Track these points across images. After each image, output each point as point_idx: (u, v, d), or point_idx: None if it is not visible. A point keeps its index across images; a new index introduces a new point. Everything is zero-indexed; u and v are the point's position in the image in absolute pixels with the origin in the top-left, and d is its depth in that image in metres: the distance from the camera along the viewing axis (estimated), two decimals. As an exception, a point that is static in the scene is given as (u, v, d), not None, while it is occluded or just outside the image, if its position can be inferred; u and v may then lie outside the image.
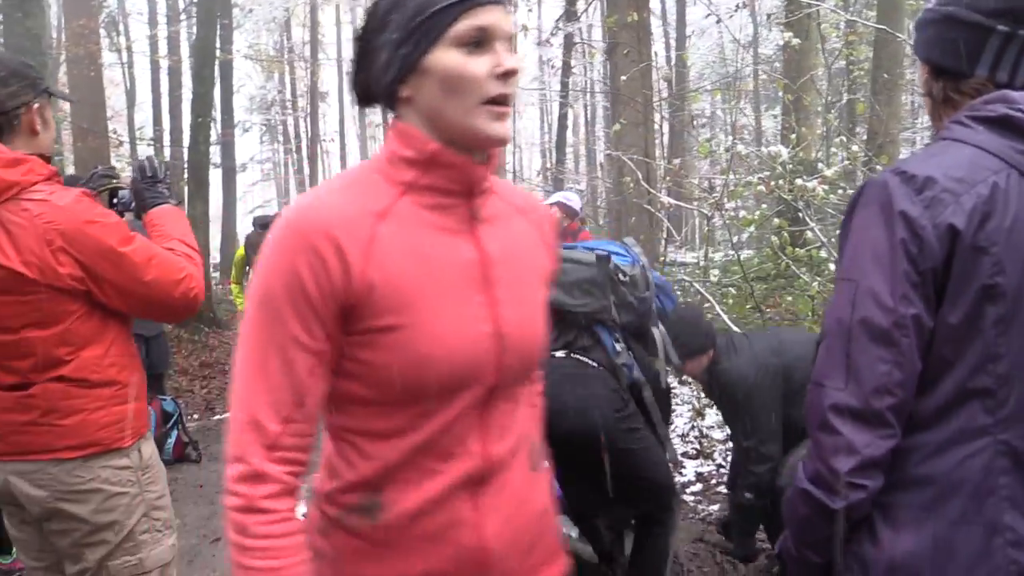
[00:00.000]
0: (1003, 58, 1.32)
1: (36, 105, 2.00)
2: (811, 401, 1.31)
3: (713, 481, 4.99)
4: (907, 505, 1.27)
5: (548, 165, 22.76)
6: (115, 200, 2.39)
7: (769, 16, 8.95)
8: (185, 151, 11.47)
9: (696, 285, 6.10)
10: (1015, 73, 1.33)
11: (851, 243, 1.31)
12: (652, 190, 7.00)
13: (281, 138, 27.42)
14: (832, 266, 5.76)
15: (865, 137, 8.52)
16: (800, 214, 5.91)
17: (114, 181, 2.42)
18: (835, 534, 1.31)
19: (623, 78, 6.43)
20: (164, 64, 17.18)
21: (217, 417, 6.89)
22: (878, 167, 6.10)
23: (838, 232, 1.40)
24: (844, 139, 6.97)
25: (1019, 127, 1.27)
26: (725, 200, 6.16)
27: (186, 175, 11.11)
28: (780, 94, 17.17)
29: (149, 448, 2.17)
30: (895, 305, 1.23)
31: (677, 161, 8.57)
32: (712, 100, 17.69)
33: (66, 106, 10.21)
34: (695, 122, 11.05)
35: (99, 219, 1.93)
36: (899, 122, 11.72)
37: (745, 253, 7.64)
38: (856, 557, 1.32)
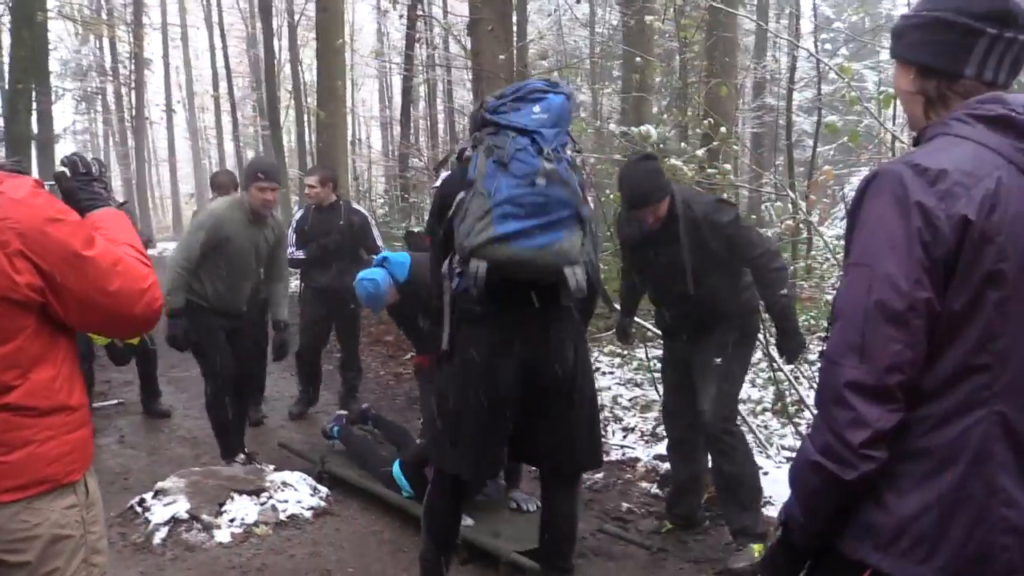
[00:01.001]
0: (989, 59, 1.45)
1: None
2: (825, 378, 1.41)
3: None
4: (911, 473, 1.39)
5: (390, 140, 22.45)
6: None
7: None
8: (-2, 121, 10.38)
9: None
10: (998, 72, 1.45)
11: (865, 230, 1.41)
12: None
13: (100, 108, 25.37)
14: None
15: (701, 115, 8.95)
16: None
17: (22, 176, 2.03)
18: (843, 503, 1.41)
19: (501, 57, 6.40)
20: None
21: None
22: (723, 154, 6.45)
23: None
24: (677, 117, 7.27)
25: (1017, 126, 1.39)
26: (592, 178, 6.31)
27: (2, 150, 10.08)
28: (615, 73, 17.77)
29: (93, 482, 1.87)
30: (910, 289, 1.33)
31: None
32: (550, 78, 17.98)
33: None
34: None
35: (62, 216, 1.64)
36: (733, 101, 12.40)
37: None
38: (863, 523, 1.42)
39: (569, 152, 2.76)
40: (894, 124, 6.31)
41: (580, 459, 2.98)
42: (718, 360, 3.74)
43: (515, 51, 6.28)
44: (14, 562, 1.70)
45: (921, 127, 1.53)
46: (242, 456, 4.93)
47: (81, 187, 1.91)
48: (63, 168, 1.94)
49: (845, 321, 1.39)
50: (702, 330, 3.76)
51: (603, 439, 3.77)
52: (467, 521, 3.67)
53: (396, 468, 4.24)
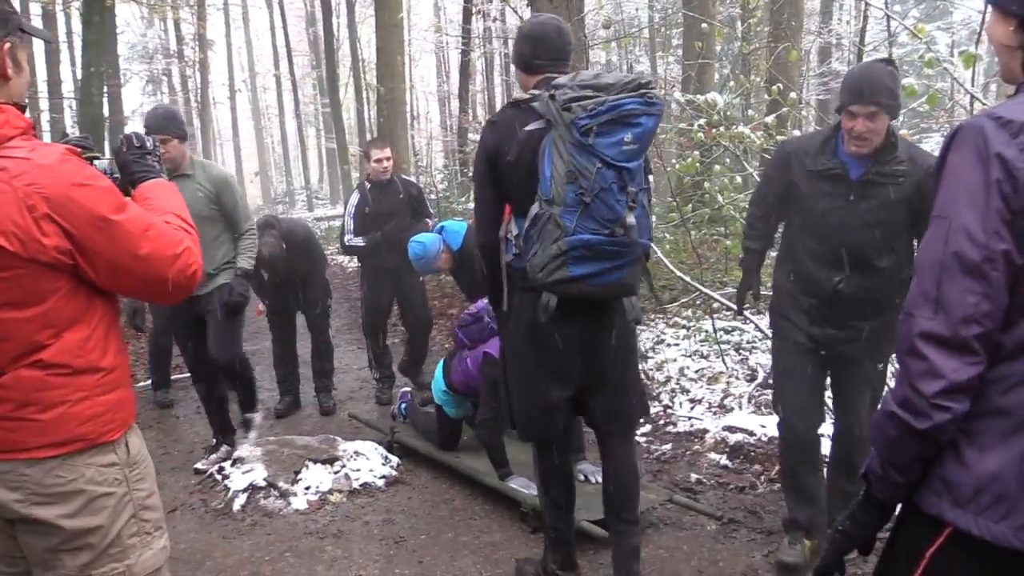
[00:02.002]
0: None
1: (7, 45, 1.70)
2: (901, 330, 1.40)
3: (662, 422, 5.13)
4: (991, 431, 1.37)
5: (448, 115, 22.45)
6: None
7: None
8: (72, 104, 10.68)
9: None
10: None
11: (945, 183, 1.40)
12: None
13: (166, 89, 25.97)
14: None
15: (765, 82, 8.75)
16: (736, 161, 6.04)
17: (86, 151, 2.01)
18: (920, 454, 1.41)
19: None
20: (36, 11, 15.87)
21: (140, 385, 6.56)
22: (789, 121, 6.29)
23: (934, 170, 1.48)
24: (743, 83, 7.11)
25: None
26: (657, 148, 6.22)
27: (76, 132, 10.38)
28: (674, 43, 17.43)
29: (137, 440, 1.92)
30: (987, 240, 1.31)
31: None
32: (608, 48, 17.77)
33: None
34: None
35: (90, 182, 1.68)
36: (798, 68, 12.08)
37: (669, 200, 7.76)
38: (942, 479, 1.41)
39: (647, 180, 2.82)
40: (973, 85, 6.07)
41: (635, 412, 3.12)
42: (880, 365, 3.26)
43: (576, 22, 6.18)
44: (51, 517, 1.74)
45: (1019, 81, 1.48)
46: (224, 448, 4.75)
47: (135, 160, 2.00)
48: (121, 143, 2.04)
49: (923, 273, 1.39)
50: (866, 318, 3.11)
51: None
52: (533, 490, 3.72)
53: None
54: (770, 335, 3.67)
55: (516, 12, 8.46)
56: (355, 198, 5.97)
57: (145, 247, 1.73)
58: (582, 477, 4.08)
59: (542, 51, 2.85)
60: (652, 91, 2.59)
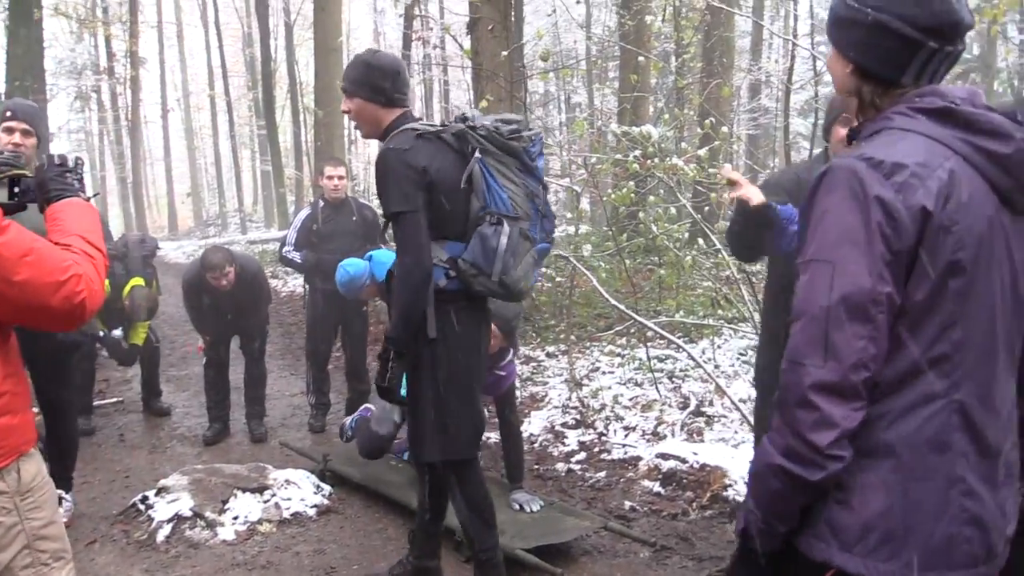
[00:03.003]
0: (927, 68, 1.45)
1: None
2: (789, 380, 1.37)
3: (596, 449, 5.16)
4: (874, 469, 1.37)
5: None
6: (16, 190, 2.02)
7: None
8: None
9: (572, 259, 6.23)
10: (932, 79, 1.47)
11: (823, 227, 1.38)
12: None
13: (95, 106, 25.28)
14: (702, 240, 6.06)
15: (698, 116, 8.99)
16: (661, 192, 6.17)
17: (15, 169, 2.03)
18: (805, 504, 1.41)
19: (504, 53, 6.40)
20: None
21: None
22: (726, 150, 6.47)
23: (801, 212, 1.50)
24: (677, 117, 7.29)
25: (960, 117, 1.40)
26: (594, 178, 6.32)
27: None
28: (611, 75, 17.78)
29: (33, 467, 1.86)
30: (873, 284, 1.32)
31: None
32: (546, 79, 18.02)
33: None
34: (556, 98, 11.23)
35: None
36: (729, 103, 12.44)
37: (604, 230, 7.88)
38: (827, 523, 1.40)
39: None
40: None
41: None
42: None
43: (515, 50, 6.29)
44: None
45: (856, 119, 1.55)
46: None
47: (53, 178, 1.96)
48: (43, 162, 2.00)
49: (807, 319, 1.36)
50: None
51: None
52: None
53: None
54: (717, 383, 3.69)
55: (456, 40, 8.52)
56: (304, 212, 5.91)
57: (22, 273, 1.66)
58: (517, 506, 4.07)
59: (401, 85, 2.95)
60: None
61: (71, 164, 2.02)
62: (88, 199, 2.03)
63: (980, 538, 1.38)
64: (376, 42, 23.88)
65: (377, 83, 2.90)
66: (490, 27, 7.15)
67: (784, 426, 1.37)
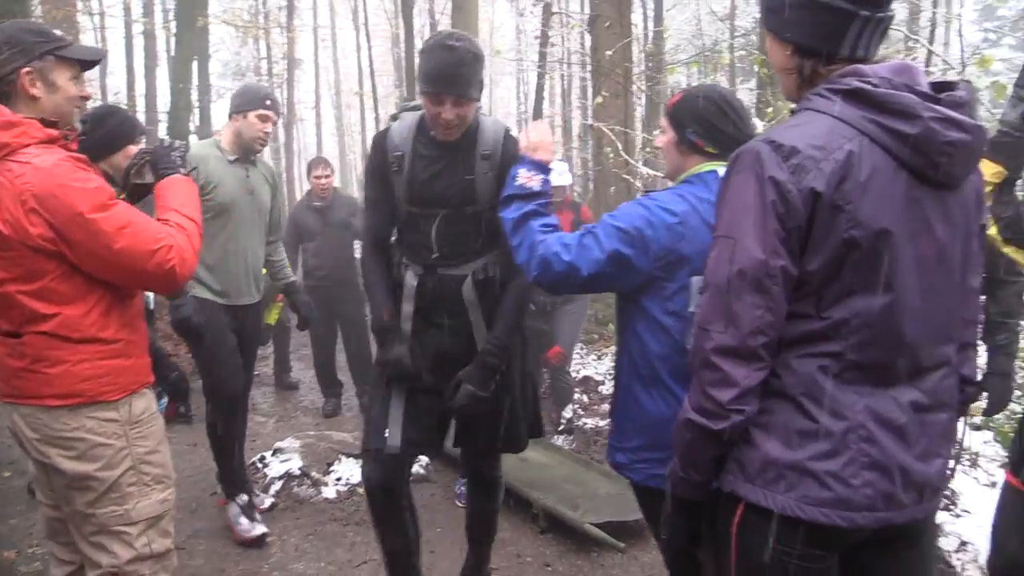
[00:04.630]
0: (861, 38, 1.51)
1: (27, 70, 2.03)
2: (697, 344, 1.54)
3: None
4: (774, 411, 1.51)
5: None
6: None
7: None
8: (163, 117, 11.42)
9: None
10: (868, 49, 1.52)
11: (729, 205, 1.52)
12: (631, 160, 7.16)
13: (256, 105, 27.15)
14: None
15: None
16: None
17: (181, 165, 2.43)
18: (717, 453, 1.57)
19: (608, 52, 6.54)
20: (138, 29, 16.92)
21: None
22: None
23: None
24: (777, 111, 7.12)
25: (869, 98, 1.45)
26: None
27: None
28: (756, 68, 17.38)
29: (142, 404, 2.22)
30: (766, 258, 1.45)
31: (656, 132, 8.71)
32: (688, 73, 17.82)
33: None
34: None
35: (74, 183, 1.98)
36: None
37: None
38: (735, 459, 1.56)
39: None
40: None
41: None
42: None
43: (627, 46, 6.40)
44: (57, 458, 2.10)
45: (796, 100, 1.61)
46: (244, 497, 3.97)
47: (162, 157, 2.35)
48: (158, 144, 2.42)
49: (712, 290, 1.52)
50: None
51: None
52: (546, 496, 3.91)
53: None
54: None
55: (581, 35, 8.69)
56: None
57: (120, 242, 2.01)
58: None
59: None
60: None
61: (177, 145, 2.41)
62: (188, 174, 2.40)
63: (880, 482, 1.46)
64: (518, 40, 24.33)
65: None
66: (607, 24, 7.30)
67: (696, 385, 1.54)
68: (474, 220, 2.67)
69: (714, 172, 2.11)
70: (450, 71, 2.43)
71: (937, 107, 1.44)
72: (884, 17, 1.51)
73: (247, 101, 3.73)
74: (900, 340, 1.49)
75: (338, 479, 4.47)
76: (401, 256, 2.78)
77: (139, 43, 17.43)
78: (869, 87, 1.45)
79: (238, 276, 3.79)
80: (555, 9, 15.89)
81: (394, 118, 2.77)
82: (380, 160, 2.69)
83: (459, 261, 2.70)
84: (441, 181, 2.63)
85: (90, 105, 2.92)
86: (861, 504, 1.46)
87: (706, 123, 2.15)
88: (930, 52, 6.99)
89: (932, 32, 9.90)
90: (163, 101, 17.84)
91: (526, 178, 2.28)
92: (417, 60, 2.61)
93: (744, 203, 1.48)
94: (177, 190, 2.30)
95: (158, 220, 2.18)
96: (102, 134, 2.89)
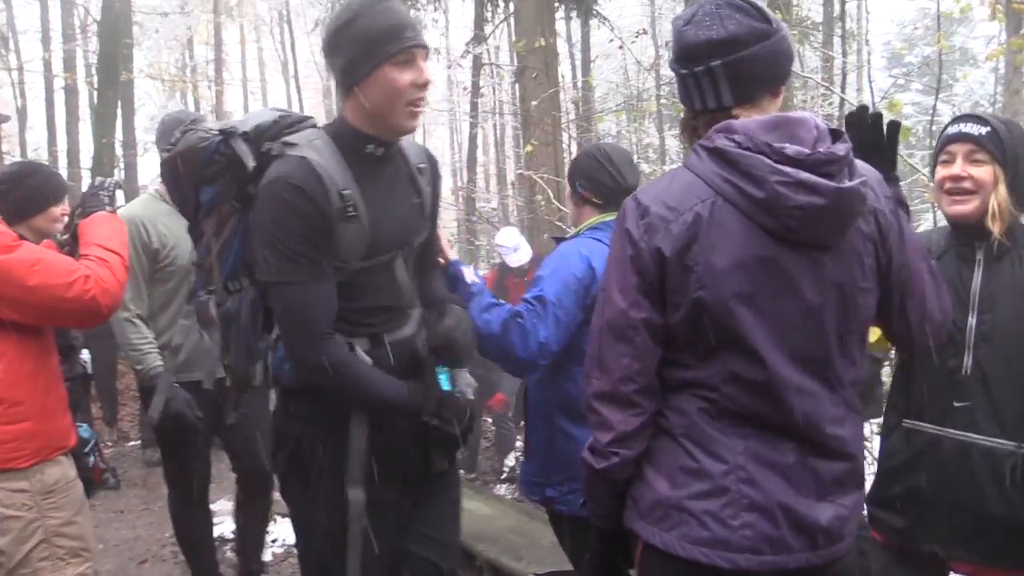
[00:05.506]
0: (701, 91, 1.55)
1: None
2: (583, 389, 1.61)
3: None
4: (661, 451, 1.55)
5: (459, 184, 22.94)
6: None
7: (668, 43, 9.40)
8: (86, 173, 11.16)
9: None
10: (719, 98, 1.54)
11: (608, 257, 1.59)
12: (563, 208, 7.26)
13: (184, 159, 26.76)
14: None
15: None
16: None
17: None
18: (610, 489, 1.61)
19: (534, 102, 6.66)
20: (59, 83, 16.57)
21: (131, 444, 6.75)
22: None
23: None
24: None
25: (726, 157, 1.46)
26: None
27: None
28: (681, 115, 17.83)
29: (57, 471, 2.10)
30: (627, 309, 1.51)
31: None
32: (617, 120, 18.27)
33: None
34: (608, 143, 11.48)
35: None
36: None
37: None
38: (632, 496, 1.60)
39: None
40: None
41: None
42: None
43: (554, 95, 6.52)
44: None
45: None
46: None
47: (88, 197, 2.34)
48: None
49: (592, 338, 1.59)
50: None
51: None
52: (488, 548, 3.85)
53: None
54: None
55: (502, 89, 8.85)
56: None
57: (32, 279, 1.97)
58: None
59: None
60: None
61: (104, 183, 2.39)
62: (113, 211, 2.36)
63: (761, 524, 1.46)
64: (450, 91, 24.61)
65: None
66: (534, 75, 7.44)
67: (589, 428, 1.61)
68: (416, 254, 2.12)
69: None
70: (409, 19, 1.90)
71: (787, 170, 1.42)
72: (708, 69, 1.52)
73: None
74: (788, 413, 1.49)
75: (273, 540, 4.33)
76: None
77: (60, 97, 17.05)
78: (728, 146, 1.46)
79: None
80: (484, 60, 16.18)
81: (266, 154, 1.89)
82: (317, 211, 1.82)
83: (402, 318, 2.05)
84: (400, 212, 2.02)
85: (8, 160, 2.82)
86: (742, 545, 1.46)
87: (589, 176, 2.42)
88: (843, 99, 7.30)
89: (844, 79, 10.40)
90: (86, 156, 17.55)
91: (472, 276, 2.33)
92: (334, 41, 1.87)
93: (613, 255, 1.56)
94: (99, 225, 2.26)
95: (80, 256, 2.13)
96: (20, 195, 2.63)
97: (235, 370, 2.02)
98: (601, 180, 2.39)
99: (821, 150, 1.45)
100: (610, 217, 2.35)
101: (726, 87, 1.52)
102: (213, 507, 4.62)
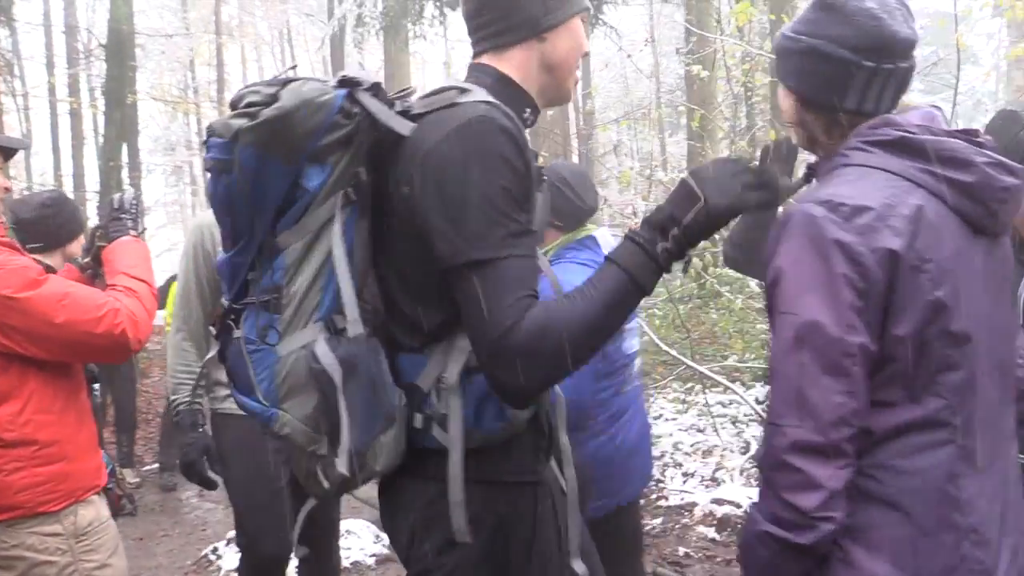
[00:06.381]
0: (869, 91, 1.36)
1: None
2: (767, 443, 1.29)
3: (653, 495, 5.15)
4: (878, 525, 1.27)
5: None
6: None
7: (678, 50, 9.36)
8: (94, 195, 11.14)
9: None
10: (879, 103, 1.37)
11: (785, 279, 1.29)
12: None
13: (188, 179, 26.75)
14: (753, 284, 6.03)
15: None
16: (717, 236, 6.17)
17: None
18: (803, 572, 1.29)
19: (549, 113, 6.61)
20: (64, 108, 16.60)
21: (147, 468, 6.68)
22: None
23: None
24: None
25: (915, 147, 1.31)
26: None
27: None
28: (683, 121, 17.87)
29: (90, 512, 2.03)
30: (842, 335, 1.23)
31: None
32: (618, 128, 18.26)
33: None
34: (616, 150, 11.42)
35: None
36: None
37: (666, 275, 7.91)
38: None
39: None
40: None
41: None
42: None
43: (572, 106, 6.48)
44: None
45: (815, 152, 1.49)
46: None
47: (113, 219, 2.23)
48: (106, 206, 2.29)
49: (780, 378, 1.28)
50: None
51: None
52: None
53: None
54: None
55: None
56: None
57: (61, 316, 1.88)
58: None
59: None
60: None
61: (126, 206, 2.26)
62: (138, 235, 2.27)
63: None
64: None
65: None
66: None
67: (767, 491, 1.28)
68: None
69: (592, 236, 2.44)
70: None
71: (987, 152, 1.32)
72: (896, 69, 1.36)
73: None
74: (984, 419, 1.33)
75: (296, 566, 4.25)
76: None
77: (64, 122, 17.07)
78: (912, 135, 1.31)
79: None
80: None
81: (404, 112, 1.42)
82: (527, 168, 1.39)
83: None
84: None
85: (17, 188, 2.77)
86: None
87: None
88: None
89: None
90: (91, 180, 17.55)
91: None
92: None
93: (805, 274, 1.26)
94: (125, 252, 2.18)
95: (107, 286, 2.06)
96: (62, 220, 2.70)
97: (353, 455, 1.45)
98: (558, 203, 2.39)
99: (985, 138, 1.36)
100: (584, 234, 2.46)
101: (891, 92, 1.37)
102: (233, 533, 4.58)
